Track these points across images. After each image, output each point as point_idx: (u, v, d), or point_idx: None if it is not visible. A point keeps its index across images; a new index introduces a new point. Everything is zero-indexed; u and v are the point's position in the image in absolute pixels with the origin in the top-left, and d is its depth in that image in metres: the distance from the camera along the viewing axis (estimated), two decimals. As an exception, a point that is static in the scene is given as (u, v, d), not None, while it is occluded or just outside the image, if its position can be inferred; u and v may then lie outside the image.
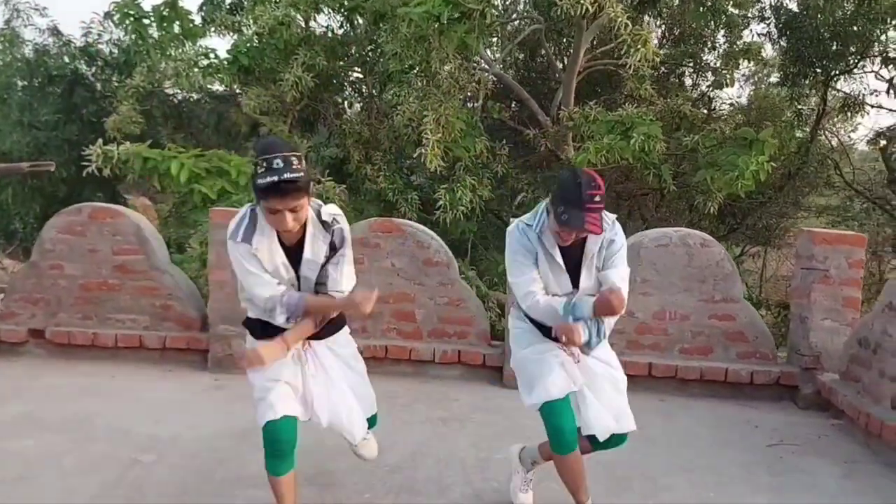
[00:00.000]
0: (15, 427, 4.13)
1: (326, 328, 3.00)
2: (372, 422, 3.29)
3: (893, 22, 9.64)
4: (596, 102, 8.83)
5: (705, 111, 10.72)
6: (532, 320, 3.15)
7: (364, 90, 10.99)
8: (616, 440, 3.15)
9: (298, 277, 2.86)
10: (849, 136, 13.85)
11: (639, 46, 6.91)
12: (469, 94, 8.42)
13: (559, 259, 3.00)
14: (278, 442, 2.80)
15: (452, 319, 5.33)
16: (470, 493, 3.50)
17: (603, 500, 3.43)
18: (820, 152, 12.08)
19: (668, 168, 8.48)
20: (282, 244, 2.81)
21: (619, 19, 6.86)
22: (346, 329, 3.16)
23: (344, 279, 2.88)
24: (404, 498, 3.42)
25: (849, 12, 10.17)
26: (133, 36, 9.94)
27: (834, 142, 13.14)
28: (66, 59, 11.24)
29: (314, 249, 2.83)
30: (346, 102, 11.01)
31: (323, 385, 2.97)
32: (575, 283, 3.03)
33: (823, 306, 4.94)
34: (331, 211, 2.86)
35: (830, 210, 14.30)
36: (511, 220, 3.54)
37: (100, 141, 7.47)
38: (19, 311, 5.47)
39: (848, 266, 4.91)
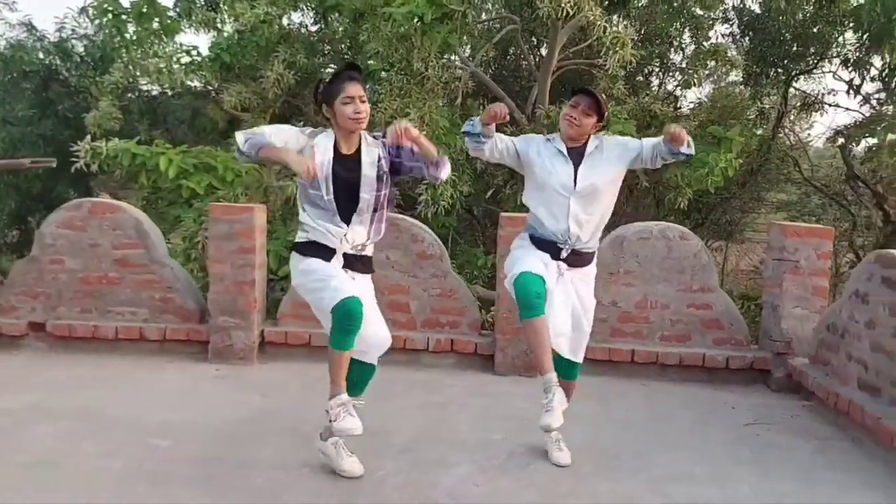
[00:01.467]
0: (28, 416, 4.24)
1: (361, 266, 3.52)
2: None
3: (851, 25, 10.06)
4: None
5: (672, 109, 11.09)
6: (532, 240, 3.71)
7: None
8: (567, 370, 3.81)
9: (339, 191, 3.35)
10: (807, 134, 14.38)
11: (617, 49, 7.19)
12: (450, 92, 8.62)
13: (565, 152, 3.68)
14: (350, 317, 3.23)
15: (445, 310, 5.56)
16: (475, 470, 3.72)
17: (596, 476, 3.69)
18: (781, 149, 12.54)
19: (640, 164, 8.78)
20: (338, 154, 3.36)
21: (598, 22, 7.13)
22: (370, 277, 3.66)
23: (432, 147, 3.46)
24: (414, 475, 3.63)
25: (809, 14, 10.61)
26: (111, 32, 9.95)
27: (793, 139, 13.62)
28: (41, 55, 11.20)
29: (371, 159, 3.41)
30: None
31: (368, 302, 3.42)
32: (575, 179, 3.65)
33: (794, 295, 5.28)
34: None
35: (789, 205, 14.83)
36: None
37: (88, 137, 7.54)
38: (19, 305, 5.56)
39: (817, 257, 5.26)
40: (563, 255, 3.68)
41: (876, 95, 11.47)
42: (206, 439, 3.99)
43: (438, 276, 5.55)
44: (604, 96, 3.75)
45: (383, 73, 8.73)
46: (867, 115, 11.50)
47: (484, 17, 10.77)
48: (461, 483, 3.55)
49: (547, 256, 3.67)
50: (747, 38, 11.47)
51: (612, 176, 3.74)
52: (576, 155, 3.70)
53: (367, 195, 3.41)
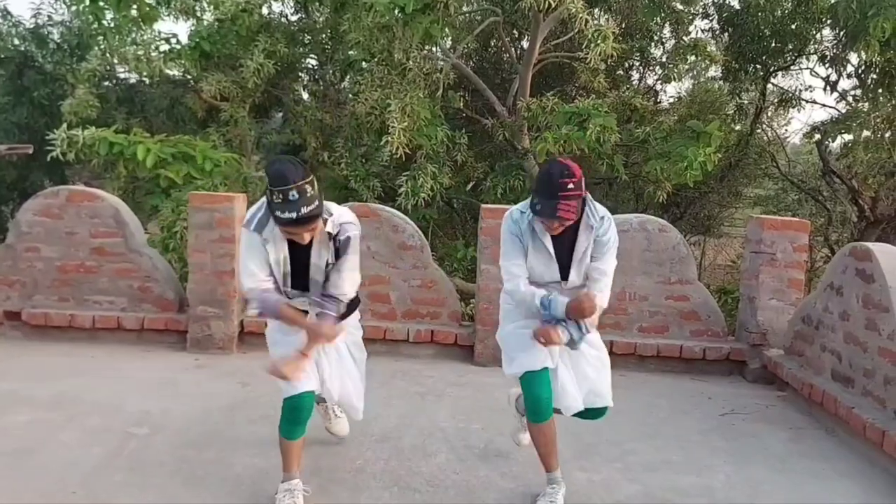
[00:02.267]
0: (4, 404, 4.20)
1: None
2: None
3: (828, 22, 10.16)
4: (551, 94, 9.15)
5: (652, 103, 11.16)
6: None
7: (321, 77, 11.10)
8: (593, 413, 3.39)
9: (294, 272, 3.09)
10: (785, 130, 14.53)
11: (598, 42, 7.22)
12: (431, 83, 8.61)
13: (549, 247, 3.14)
14: (298, 411, 3.10)
15: (425, 301, 5.57)
16: (454, 459, 3.74)
17: (573, 464, 3.72)
18: (758, 145, 12.66)
19: (620, 158, 8.86)
20: (290, 241, 3.03)
21: (580, 15, 7.16)
22: (357, 315, 3.43)
23: (346, 283, 3.14)
24: (393, 464, 3.65)
25: (787, 11, 10.69)
26: (88, 18, 9.82)
27: (771, 135, 13.75)
28: (16, 41, 11.04)
29: (319, 255, 3.08)
30: (304, 89, 11.09)
31: (336, 362, 3.28)
32: (564, 274, 3.19)
33: (770, 287, 5.34)
34: (340, 220, 3.08)
35: (766, 200, 14.97)
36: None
37: (64, 125, 7.45)
38: (-6, 294, 5.50)
39: (793, 250, 5.32)
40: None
41: (852, 92, 11.62)
42: (184, 428, 3.98)
43: (419, 268, 5.56)
44: (575, 175, 2.97)
45: (364, 63, 8.72)
46: (843, 111, 11.63)
47: (466, 8, 10.76)
48: (440, 471, 3.58)
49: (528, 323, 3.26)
50: (727, 34, 11.55)
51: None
52: (562, 245, 3.17)
53: (318, 277, 3.13)
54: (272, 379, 3.11)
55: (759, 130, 12.89)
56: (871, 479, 3.70)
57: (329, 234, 3.06)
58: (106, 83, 10.34)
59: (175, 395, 4.50)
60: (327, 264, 3.12)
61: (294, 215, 2.79)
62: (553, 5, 7.43)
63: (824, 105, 12.54)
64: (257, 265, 3.05)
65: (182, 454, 3.63)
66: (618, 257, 5.40)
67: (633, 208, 11.35)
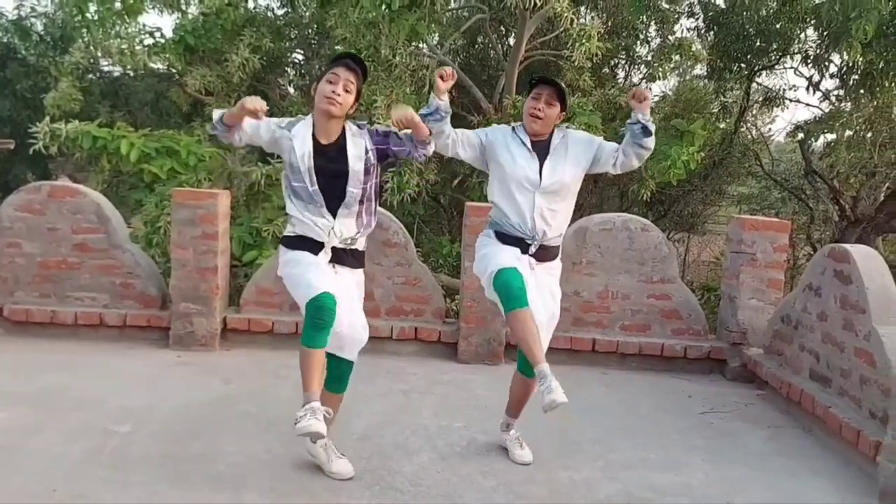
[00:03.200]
0: (-16, 401, 4.20)
1: (351, 261, 3.41)
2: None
3: (812, 22, 10.25)
4: (537, 91, 9.15)
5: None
6: (498, 237, 3.62)
7: (307, 72, 11.07)
8: None
9: (327, 170, 3.26)
10: (769, 129, 14.64)
11: (583, 41, 7.24)
12: (417, 80, 8.62)
13: (529, 145, 3.57)
14: (321, 312, 3.11)
15: (409, 298, 5.58)
16: (436, 458, 3.76)
17: (556, 462, 3.76)
18: (742, 143, 12.76)
19: (605, 156, 8.88)
20: (318, 144, 3.27)
21: (566, 14, 7.18)
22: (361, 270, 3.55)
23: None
24: (375, 462, 3.66)
25: (772, 11, 10.76)
26: (72, 11, 9.75)
27: (755, 133, 13.86)
28: (-1, 33, 10.96)
29: (355, 146, 3.31)
30: (290, 84, 11.07)
31: (346, 296, 3.32)
32: (540, 174, 3.54)
33: (750, 287, 5.40)
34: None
35: (750, 199, 15.10)
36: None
37: (47, 119, 7.40)
38: (-26, 289, 5.46)
39: (773, 250, 5.38)
40: (532, 250, 3.58)
41: (835, 92, 11.72)
42: (166, 425, 3.97)
43: (403, 265, 5.57)
44: (564, 85, 3.69)
45: (350, 59, 8.69)
46: (826, 111, 11.75)
47: (453, 5, 10.76)
48: (422, 470, 3.60)
49: (517, 251, 3.58)
50: (712, 33, 11.62)
51: (577, 174, 3.64)
52: (541, 149, 3.58)
53: (354, 189, 3.29)
54: (247, 111, 3.14)
55: (743, 129, 12.99)
56: (846, 478, 3.76)
57: (358, 125, 3.38)
58: (90, 76, 10.27)
59: (157, 391, 4.49)
60: (367, 168, 3.31)
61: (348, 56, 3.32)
62: (539, 4, 7.45)
63: (808, 104, 12.71)
64: (267, 137, 3.32)
65: (165, 451, 3.63)
66: (601, 255, 5.50)
67: (618, 205, 11.42)
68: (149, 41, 9.03)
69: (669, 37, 11.25)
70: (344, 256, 3.38)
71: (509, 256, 3.51)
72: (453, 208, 11.29)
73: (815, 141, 12.56)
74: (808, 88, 11.39)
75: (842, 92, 11.33)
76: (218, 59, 8.94)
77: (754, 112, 13.49)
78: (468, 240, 5.41)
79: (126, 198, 8.42)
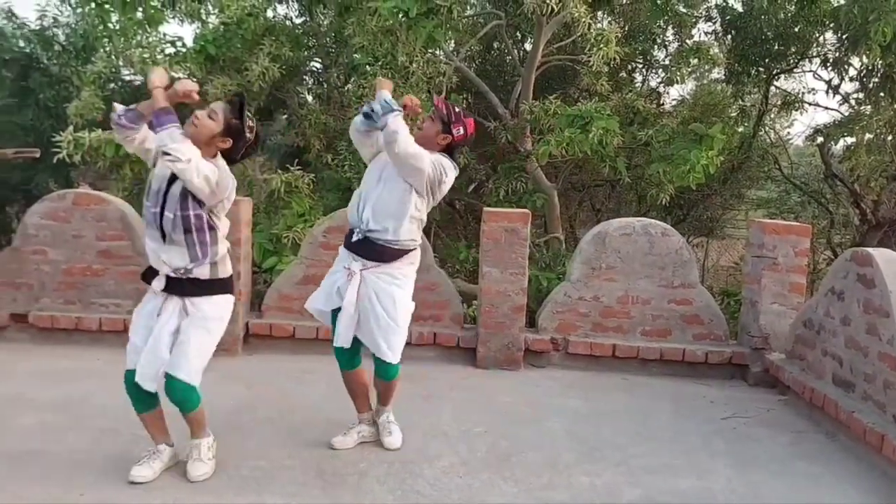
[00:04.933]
0: (10, 407, 4.24)
1: (193, 290, 3.33)
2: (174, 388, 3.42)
3: (831, 25, 10.18)
4: (553, 97, 9.17)
5: (655, 106, 11.19)
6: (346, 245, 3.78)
7: (325, 80, 11.13)
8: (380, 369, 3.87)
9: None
10: (787, 132, 14.55)
11: (601, 45, 7.24)
12: (434, 86, 8.64)
13: None
14: (127, 388, 3.41)
15: (428, 303, 5.58)
16: (457, 462, 3.78)
17: (576, 467, 3.77)
18: (761, 147, 12.68)
19: (623, 161, 8.88)
20: None
21: (583, 19, 7.18)
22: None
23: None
24: (397, 466, 3.68)
25: (790, 14, 10.71)
26: (94, 21, 9.88)
27: (773, 137, 13.77)
28: (21, 43, 11.10)
29: None
30: (308, 92, 11.13)
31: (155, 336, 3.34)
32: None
33: (772, 291, 5.37)
34: None
35: (769, 203, 15.00)
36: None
37: (70, 128, 7.49)
38: (1, 296, 5.53)
39: (794, 254, 5.35)
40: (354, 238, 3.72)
41: (854, 95, 11.63)
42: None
43: (421, 270, 5.55)
44: (454, 107, 3.77)
45: (368, 67, 8.74)
46: (846, 114, 11.65)
47: (469, 11, 10.80)
48: (443, 474, 3.61)
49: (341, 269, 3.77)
50: (730, 37, 11.56)
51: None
52: None
53: (169, 213, 3.23)
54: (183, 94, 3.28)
55: (761, 133, 12.90)
56: (870, 483, 3.73)
57: None
58: (111, 85, 10.37)
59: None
60: (184, 192, 3.24)
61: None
62: (556, 9, 7.45)
63: (827, 108, 12.49)
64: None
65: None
66: (621, 260, 5.49)
67: (636, 210, 11.38)
68: (170, 50, 9.11)
69: (687, 41, 11.21)
70: (181, 286, 3.33)
71: (319, 293, 3.90)
72: (469, 213, 11.30)
73: (835, 144, 12.46)
74: (827, 92, 11.32)
75: (861, 95, 11.25)
76: (238, 68, 8.99)
77: (773, 116, 13.40)
78: (485, 245, 5.43)
79: (147, 206, 8.48)
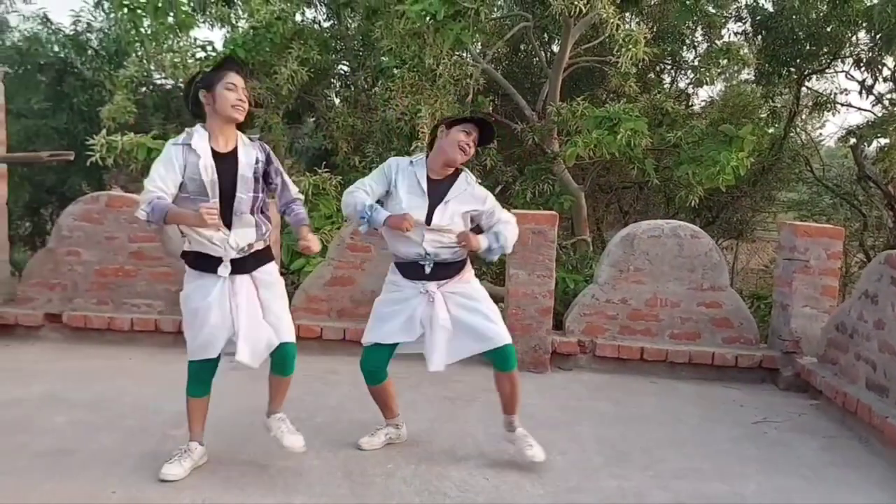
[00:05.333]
0: (43, 405, 4.32)
1: (253, 263, 3.46)
2: (290, 353, 3.64)
3: (864, 25, 10.03)
4: (581, 98, 9.13)
5: (684, 107, 11.09)
6: (400, 271, 3.75)
7: (352, 83, 11.19)
8: (500, 360, 3.81)
9: (221, 180, 3.27)
10: (819, 133, 14.35)
11: (629, 46, 7.20)
12: (461, 88, 8.65)
13: (424, 186, 3.63)
14: (205, 370, 3.65)
15: (455, 305, 5.59)
16: (484, 464, 3.78)
17: (604, 471, 3.75)
18: (792, 149, 12.51)
19: (651, 162, 8.82)
20: (214, 153, 3.29)
21: (611, 20, 7.14)
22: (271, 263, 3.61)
23: (292, 185, 3.58)
24: (424, 468, 3.69)
25: (822, 14, 10.56)
26: (126, 26, 10.01)
27: (805, 138, 13.59)
28: (56, 48, 11.27)
29: (247, 154, 3.37)
30: (336, 95, 11.19)
31: (244, 314, 3.44)
32: (430, 217, 3.60)
33: (803, 294, 5.30)
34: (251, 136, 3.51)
35: (800, 205, 14.80)
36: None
37: (103, 132, 7.60)
38: (35, 296, 5.65)
39: (827, 257, 5.28)
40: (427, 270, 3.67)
41: (888, 96, 11.44)
42: (220, 430, 4.04)
43: (449, 272, 5.58)
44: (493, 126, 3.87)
45: (395, 70, 8.78)
46: (879, 115, 11.46)
47: (496, 13, 10.79)
48: (470, 476, 3.61)
49: (413, 298, 3.70)
50: (760, 37, 11.43)
51: (464, 221, 3.71)
52: (437, 188, 3.66)
53: (243, 195, 3.32)
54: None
55: (792, 134, 12.72)
56: (905, 490, 3.67)
57: (250, 138, 3.45)
58: (143, 89, 10.52)
59: (211, 397, 4.57)
60: (256, 177, 3.36)
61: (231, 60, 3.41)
62: (584, 10, 7.42)
63: (860, 108, 12.28)
64: (165, 175, 3.22)
65: (217, 456, 3.71)
66: (649, 262, 5.45)
67: (664, 212, 11.29)
68: (200, 55, 9.21)
69: (716, 41, 11.09)
70: (243, 264, 3.43)
71: (392, 326, 3.75)
72: (497, 216, 11.25)
73: (868, 145, 12.26)
74: (860, 92, 11.14)
75: (895, 95, 11.06)
76: (267, 72, 9.08)
77: (804, 117, 13.23)
78: (513, 248, 5.40)
79: (178, 208, 8.58)
